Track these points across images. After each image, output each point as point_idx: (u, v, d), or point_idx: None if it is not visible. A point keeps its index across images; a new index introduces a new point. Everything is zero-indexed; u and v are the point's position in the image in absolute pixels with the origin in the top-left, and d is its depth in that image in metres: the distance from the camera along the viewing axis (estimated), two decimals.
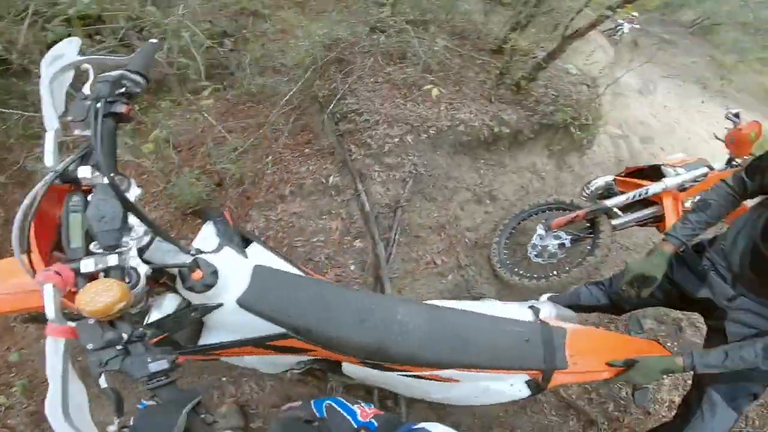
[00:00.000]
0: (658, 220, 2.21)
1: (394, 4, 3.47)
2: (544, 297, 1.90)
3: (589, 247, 2.24)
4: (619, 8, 2.62)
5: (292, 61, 3.08)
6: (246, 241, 1.18)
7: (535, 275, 2.31)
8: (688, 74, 7.06)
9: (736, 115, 2.10)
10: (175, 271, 0.97)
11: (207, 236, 1.10)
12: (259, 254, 1.15)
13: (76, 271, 0.76)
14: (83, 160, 0.84)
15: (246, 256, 1.10)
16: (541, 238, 2.40)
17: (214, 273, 0.95)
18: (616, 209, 2.21)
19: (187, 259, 0.95)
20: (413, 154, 2.65)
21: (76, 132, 0.86)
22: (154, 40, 1.03)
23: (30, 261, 0.83)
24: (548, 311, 1.33)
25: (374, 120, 2.69)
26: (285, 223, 2.44)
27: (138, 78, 0.91)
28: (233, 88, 3.17)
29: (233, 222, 1.16)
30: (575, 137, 3.12)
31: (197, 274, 0.93)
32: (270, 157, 2.72)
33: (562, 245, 2.35)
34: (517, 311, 1.28)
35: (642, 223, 2.28)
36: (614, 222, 2.22)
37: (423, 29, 3.36)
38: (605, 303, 1.66)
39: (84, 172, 0.80)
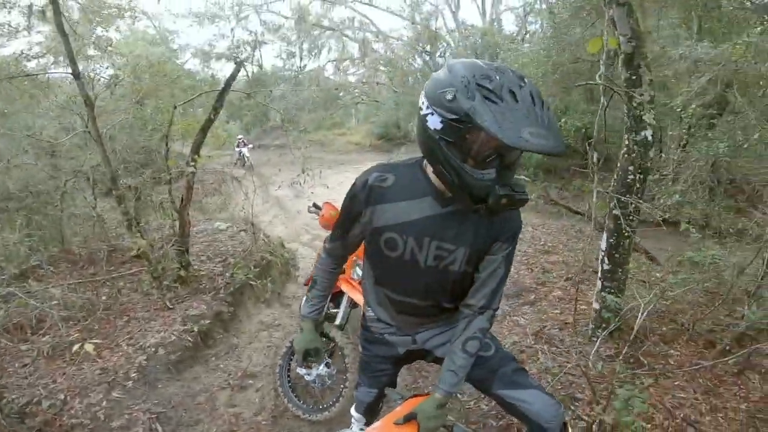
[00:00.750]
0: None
1: None
2: (353, 410, 1.80)
3: (341, 353, 2.35)
4: (193, 161, 2.81)
5: None
6: None
7: (333, 400, 2.32)
8: (310, 164, 8.87)
9: (315, 206, 2.52)
10: None
11: None
12: None
13: None
14: None
15: None
16: (309, 375, 2.39)
17: None
18: (330, 312, 2.43)
19: None
20: (137, 404, 2.30)
21: None
22: None
23: None
24: None
25: (60, 400, 2.27)
26: None
27: None
28: None
29: None
30: (262, 287, 3.20)
31: None
32: None
33: (327, 364, 2.40)
34: None
35: (353, 306, 2.49)
36: (336, 322, 2.42)
37: (36, 279, 2.75)
38: (376, 391, 1.62)
39: None
